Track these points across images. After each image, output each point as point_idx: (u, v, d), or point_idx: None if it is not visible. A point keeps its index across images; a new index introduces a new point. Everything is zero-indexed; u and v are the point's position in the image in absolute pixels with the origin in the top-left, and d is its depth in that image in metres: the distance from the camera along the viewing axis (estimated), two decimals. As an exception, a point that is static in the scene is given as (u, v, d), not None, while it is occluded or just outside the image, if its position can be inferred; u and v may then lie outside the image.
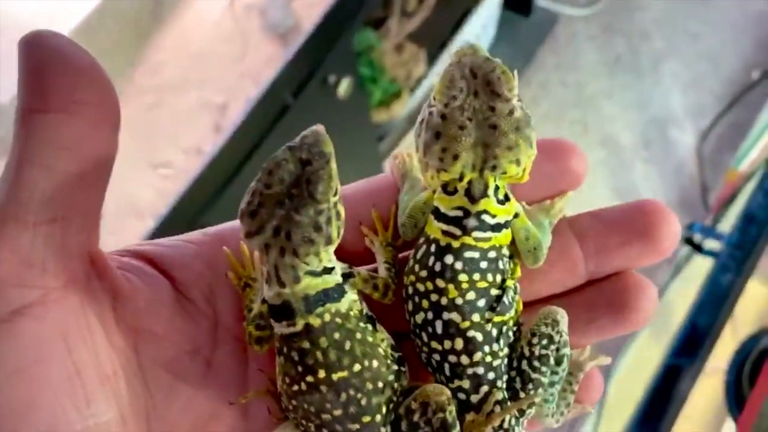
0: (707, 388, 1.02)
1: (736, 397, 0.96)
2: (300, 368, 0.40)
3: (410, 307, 0.42)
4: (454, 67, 0.40)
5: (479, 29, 1.76)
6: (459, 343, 0.41)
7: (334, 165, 0.39)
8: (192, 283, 0.41)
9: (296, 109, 1.11)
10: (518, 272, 0.43)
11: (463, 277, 0.40)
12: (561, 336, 0.43)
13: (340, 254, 0.43)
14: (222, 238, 0.42)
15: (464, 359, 0.41)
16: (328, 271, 0.40)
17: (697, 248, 1.16)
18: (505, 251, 0.42)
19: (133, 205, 1.01)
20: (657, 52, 2.01)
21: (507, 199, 0.42)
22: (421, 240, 0.42)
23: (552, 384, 0.44)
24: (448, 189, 0.41)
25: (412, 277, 0.41)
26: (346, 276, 0.41)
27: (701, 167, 1.74)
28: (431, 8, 1.49)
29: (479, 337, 0.41)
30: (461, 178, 0.40)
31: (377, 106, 1.42)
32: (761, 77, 1.68)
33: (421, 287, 0.41)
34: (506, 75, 0.39)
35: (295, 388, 0.40)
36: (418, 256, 0.42)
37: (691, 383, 0.95)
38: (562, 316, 0.43)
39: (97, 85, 0.33)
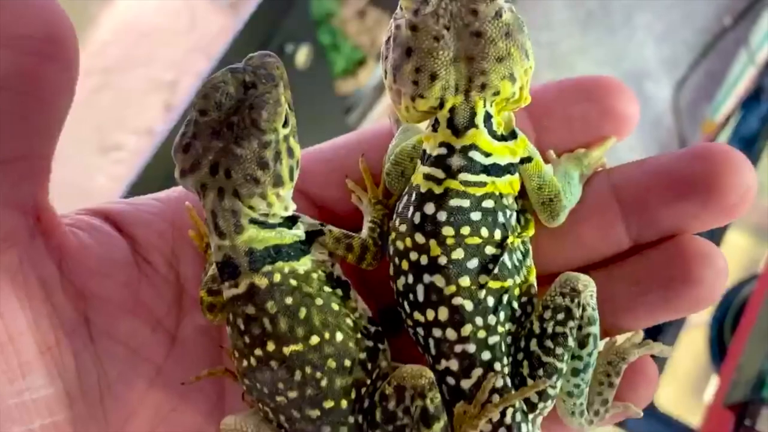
0: (691, 344, 1.00)
1: (719, 350, 0.94)
2: (247, 339, 0.34)
3: (391, 270, 0.36)
4: None
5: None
6: (443, 313, 0.34)
7: (285, 92, 0.33)
8: (153, 244, 0.37)
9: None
10: (531, 229, 0.36)
11: (447, 230, 0.34)
12: (584, 310, 0.35)
13: (329, 218, 0.38)
14: (189, 194, 0.37)
15: (450, 333, 0.34)
16: (285, 223, 0.34)
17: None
18: (510, 202, 0.35)
19: (85, 192, 0.97)
20: (628, 4, 1.98)
21: (513, 136, 0.35)
22: (406, 190, 0.36)
23: (576, 372, 0.36)
24: (434, 125, 0.35)
25: (393, 234, 0.35)
26: (313, 233, 0.36)
27: (678, 120, 1.71)
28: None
29: (468, 305, 0.34)
30: (442, 105, 0.33)
31: (342, 76, 1.38)
32: (733, 23, 1.65)
33: (400, 245, 0.35)
34: None
35: (245, 363, 0.34)
36: (399, 208, 0.35)
37: (673, 339, 0.92)
38: (586, 284, 0.35)
39: (44, 17, 0.28)
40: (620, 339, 0.38)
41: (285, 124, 0.33)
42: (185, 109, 0.97)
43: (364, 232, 0.37)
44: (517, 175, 0.35)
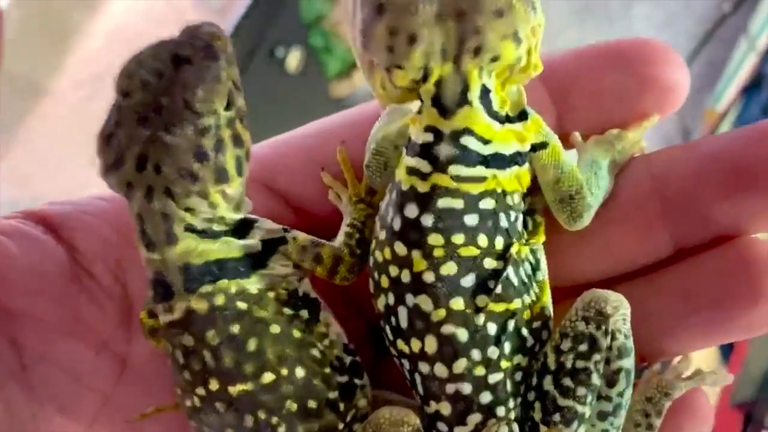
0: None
1: (730, 349, 0.91)
2: (187, 375, 0.28)
3: (371, 287, 0.29)
4: None
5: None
6: (431, 344, 0.27)
7: (229, 69, 0.27)
8: (95, 252, 0.31)
9: (244, 85, 1.06)
10: (540, 235, 0.29)
11: (434, 238, 0.27)
12: (613, 339, 0.28)
13: (306, 221, 0.32)
14: None
15: (440, 370, 0.27)
16: (235, 230, 0.28)
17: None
18: (516, 201, 0.28)
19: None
20: (627, -5, 1.96)
21: (522, 116, 0.28)
22: (389, 187, 0.29)
23: (604, 417, 0.29)
24: (421, 105, 0.28)
25: (373, 242, 0.29)
26: (274, 242, 0.29)
27: (680, 110, 1.69)
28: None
29: (462, 335, 0.27)
30: (426, 77, 0.26)
31: (336, 78, 1.37)
32: (733, 9, 1.63)
33: (379, 256, 0.28)
34: None
35: (188, 403, 0.29)
36: (381, 210, 0.29)
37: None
38: (616, 306, 0.28)
39: None
40: (658, 368, 0.31)
41: (228, 107, 0.27)
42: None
43: (339, 238, 0.31)
44: (526, 166, 0.28)
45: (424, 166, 0.27)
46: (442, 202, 0.27)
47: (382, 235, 0.28)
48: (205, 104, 0.26)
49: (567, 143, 0.32)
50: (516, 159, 0.28)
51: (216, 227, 0.28)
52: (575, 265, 0.31)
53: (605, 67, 0.30)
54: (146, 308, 0.29)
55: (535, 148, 0.29)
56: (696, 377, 0.31)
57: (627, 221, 0.30)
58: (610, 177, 0.30)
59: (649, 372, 0.32)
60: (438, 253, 0.27)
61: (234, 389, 0.28)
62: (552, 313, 0.30)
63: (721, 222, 0.29)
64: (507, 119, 0.28)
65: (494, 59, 0.26)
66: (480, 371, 0.28)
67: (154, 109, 0.26)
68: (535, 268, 0.29)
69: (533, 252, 0.29)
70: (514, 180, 0.28)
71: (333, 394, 0.29)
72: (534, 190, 0.30)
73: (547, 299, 0.30)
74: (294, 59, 1.07)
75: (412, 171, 0.28)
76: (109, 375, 0.31)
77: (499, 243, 0.28)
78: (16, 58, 0.86)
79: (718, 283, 0.29)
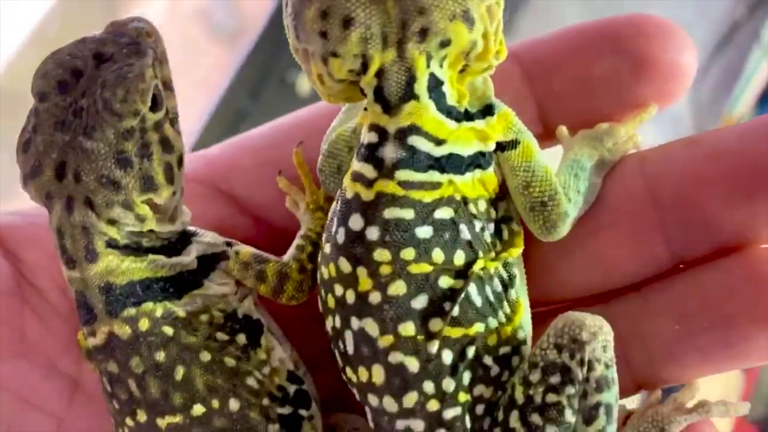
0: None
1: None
2: (115, 403, 0.26)
3: (320, 306, 0.27)
4: None
5: (451, 4, 1.71)
6: (378, 374, 0.24)
7: (159, 67, 0.25)
8: (42, 266, 0.29)
9: (256, 113, 1.07)
10: (518, 246, 0.26)
11: (381, 254, 0.24)
12: (590, 369, 0.24)
13: (265, 229, 0.29)
14: None
15: (389, 403, 0.24)
16: (164, 247, 0.26)
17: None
18: (482, 208, 0.25)
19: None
20: (639, 2, 1.96)
21: (487, 111, 0.25)
22: (337, 194, 0.26)
23: None
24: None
25: (320, 257, 0.26)
26: (213, 257, 0.27)
27: (697, 116, 1.67)
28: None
29: (412, 364, 0.24)
30: (365, 67, 0.23)
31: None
32: (747, 14, 1.61)
33: (324, 273, 0.26)
34: None
35: None
36: (327, 220, 0.26)
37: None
38: (594, 332, 0.25)
39: None
40: (657, 396, 0.27)
41: (156, 108, 0.25)
42: (192, 143, 0.98)
43: (290, 252, 0.28)
44: (492, 168, 0.25)
45: (369, 171, 0.25)
46: (389, 213, 0.25)
47: (326, 248, 0.26)
48: (126, 104, 0.24)
49: (552, 138, 0.28)
50: (478, 161, 0.25)
51: (145, 242, 0.26)
52: (561, 279, 0.28)
53: (595, 49, 0.26)
54: (81, 329, 0.27)
55: (503, 147, 0.25)
56: (700, 409, 0.27)
57: (618, 228, 0.27)
58: (597, 178, 0.26)
59: (648, 401, 0.28)
60: (385, 270, 0.25)
61: (162, 422, 0.26)
62: (528, 336, 0.26)
63: (725, 230, 0.25)
64: (466, 115, 0.25)
65: (444, 44, 0.23)
66: (433, 406, 0.24)
67: (73, 112, 0.24)
68: (508, 285, 0.26)
69: (506, 266, 0.26)
70: (477, 184, 0.25)
71: (273, 427, 0.26)
72: (508, 195, 0.26)
73: (521, 320, 0.26)
74: (304, 84, 1.08)
75: (356, 176, 0.25)
76: (61, 397, 0.29)
77: (459, 258, 0.25)
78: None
79: (722, 303, 0.25)
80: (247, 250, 0.28)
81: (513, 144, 0.25)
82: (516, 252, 0.26)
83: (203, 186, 0.31)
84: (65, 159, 0.24)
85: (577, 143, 0.27)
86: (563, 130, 0.28)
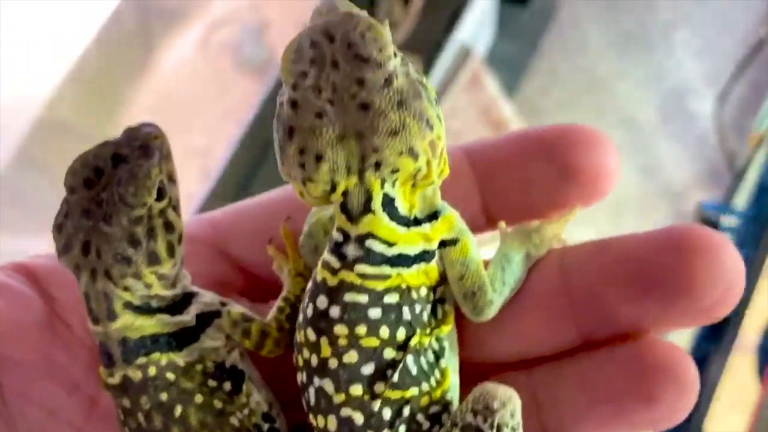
0: (740, 369, 0.97)
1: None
2: (127, 430, 0.32)
3: (294, 360, 0.32)
4: (302, 33, 0.29)
5: (475, 27, 1.73)
6: (332, 424, 0.30)
7: (163, 163, 0.30)
8: (72, 306, 0.34)
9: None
10: (448, 323, 0.31)
11: (340, 328, 0.29)
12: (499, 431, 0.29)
13: (254, 284, 0.35)
14: None
15: None
16: (171, 306, 0.32)
17: (714, 226, 1.11)
18: (423, 294, 0.30)
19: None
20: (665, 22, 1.95)
21: (432, 216, 0.30)
22: (313, 272, 0.31)
23: None
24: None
25: (297, 323, 0.32)
26: (210, 315, 0.32)
27: (722, 135, 1.68)
28: (418, 14, 1.48)
29: (358, 418, 0.29)
30: (334, 188, 0.29)
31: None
32: (770, 34, 1.61)
33: (297, 337, 0.31)
34: (374, 29, 0.28)
35: None
36: (304, 297, 0.31)
37: (720, 368, 0.90)
38: (504, 402, 0.29)
39: None
40: None
41: (160, 198, 0.30)
42: (221, 174, 1.01)
43: (272, 312, 0.33)
44: (434, 261, 0.31)
45: (335, 262, 0.30)
46: (349, 297, 0.29)
47: (300, 318, 0.31)
48: (136, 198, 0.29)
49: (494, 227, 0.33)
50: (423, 257, 0.30)
51: (154, 303, 0.31)
52: (492, 346, 0.32)
53: (530, 155, 0.31)
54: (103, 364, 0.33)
55: (445, 243, 0.31)
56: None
57: (536, 312, 0.31)
58: (522, 270, 0.31)
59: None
60: (342, 342, 0.29)
61: None
62: (455, 397, 0.31)
63: (623, 322, 0.30)
64: (415, 221, 0.30)
65: (394, 171, 0.29)
66: None
67: (96, 203, 0.30)
68: (439, 355, 0.31)
69: (438, 340, 0.31)
70: (421, 275, 0.30)
71: None
72: (446, 281, 0.31)
73: (449, 385, 0.31)
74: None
75: (324, 264, 0.30)
76: (81, 411, 0.34)
77: (401, 334, 0.30)
78: (78, 124, 0.93)
79: (617, 380, 0.29)
80: (237, 310, 0.33)
81: (453, 242, 0.31)
82: (446, 329, 0.31)
83: (206, 247, 0.36)
84: (89, 239, 0.30)
85: (510, 237, 0.32)
86: (502, 225, 0.33)
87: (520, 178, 0.32)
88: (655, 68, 1.87)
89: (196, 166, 1.04)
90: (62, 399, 0.34)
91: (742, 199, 1.14)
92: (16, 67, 0.95)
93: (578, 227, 0.36)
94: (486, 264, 0.32)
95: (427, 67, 1.56)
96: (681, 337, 1.01)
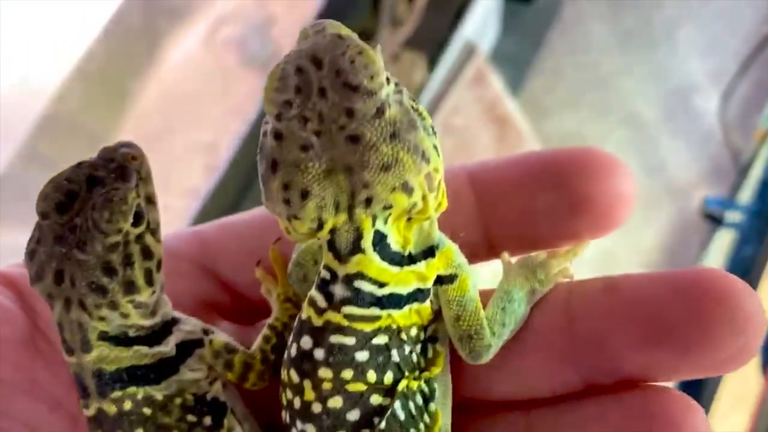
0: (743, 369, 0.97)
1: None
2: None
3: (280, 399, 0.30)
4: (287, 58, 0.27)
5: (480, 25, 1.73)
6: None
7: (142, 186, 0.29)
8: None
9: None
10: (438, 366, 0.29)
11: (324, 372, 0.27)
12: None
13: (242, 305, 0.34)
14: None
15: None
16: (148, 336, 0.30)
17: (717, 221, 1.10)
18: (413, 334, 0.28)
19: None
20: (669, 19, 1.95)
21: (428, 253, 0.28)
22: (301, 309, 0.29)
23: None
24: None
25: (283, 359, 0.29)
26: (190, 344, 0.31)
27: (727, 132, 1.67)
28: (422, 12, 1.48)
29: None
30: (320, 226, 0.27)
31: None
32: (776, 31, 1.61)
33: (282, 375, 0.29)
34: (365, 55, 0.26)
35: None
36: (292, 332, 0.29)
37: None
38: None
39: None
40: None
41: (137, 223, 0.28)
42: (226, 169, 1.02)
43: (257, 342, 0.32)
44: (428, 302, 0.29)
45: (321, 300, 0.28)
46: (334, 339, 0.27)
47: (285, 356, 0.29)
48: (111, 224, 0.27)
49: (497, 256, 0.31)
50: (416, 296, 0.28)
51: (131, 332, 0.29)
52: (489, 384, 0.30)
53: (537, 182, 0.29)
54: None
55: (442, 279, 0.29)
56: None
57: (537, 352, 0.29)
58: (526, 307, 0.29)
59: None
60: (326, 386, 0.27)
61: None
62: None
63: (629, 369, 0.28)
64: (409, 259, 0.28)
65: (386, 207, 0.26)
66: None
67: (69, 229, 0.28)
68: (429, 399, 0.29)
69: (428, 383, 0.29)
70: (413, 314, 0.28)
71: None
72: (439, 317, 0.29)
73: (440, 428, 0.29)
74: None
75: (311, 302, 0.28)
76: (63, 429, 0.33)
77: (389, 378, 0.28)
78: (84, 119, 0.94)
79: (619, 429, 0.28)
80: (219, 340, 0.31)
81: (451, 278, 0.29)
82: (437, 370, 0.29)
83: (193, 265, 0.34)
84: (63, 267, 0.28)
85: (513, 272, 0.30)
86: (506, 256, 0.31)
87: (527, 207, 0.30)
88: (659, 65, 1.87)
89: (201, 161, 1.04)
90: (44, 416, 0.32)
91: (746, 194, 1.14)
92: (22, 62, 0.96)
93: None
94: (487, 295, 0.30)
95: (432, 64, 1.57)
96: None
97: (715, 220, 1.10)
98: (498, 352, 0.29)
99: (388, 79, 0.26)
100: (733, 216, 1.11)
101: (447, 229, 0.29)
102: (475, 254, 0.30)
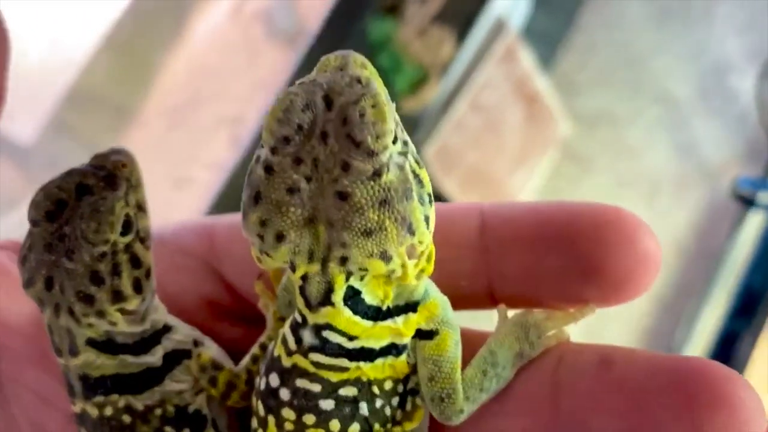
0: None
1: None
2: None
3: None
4: (300, 88, 0.25)
5: (511, 0, 1.71)
6: None
7: (132, 194, 0.29)
8: None
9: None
10: (416, 420, 0.28)
11: (287, 412, 0.27)
12: None
13: (244, 307, 0.33)
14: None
15: None
16: (136, 344, 0.30)
17: (749, 202, 1.08)
18: (388, 387, 0.27)
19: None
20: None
21: (409, 308, 0.27)
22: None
23: None
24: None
25: (255, 385, 0.29)
26: (179, 354, 0.31)
27: (763, 113, 1.63)
28: (452, -13, 1.46)
29: None
30: (293, 268, 0.26)
31: (404, 96, 1.40)
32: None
33: (253, 403, 0.28)
34: (378, 110, 0.24)
35: None
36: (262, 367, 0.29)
37: (750, 348, 0.89)
38: None
39: None
40: None
41: (126, 232, 0.29)
42: (251, 143, 1.02)
43: (245, 360, 0.31)
44: (404, 355, 0.27)
45: (291, 342, 0.27)
46: (300, 382, 0.27)
47: (256, 384, 0.29)
48: (98, 235, 0.28)
49: (496, 305, 0.30)
50: (390, 351, 0.27)
51: (119, 339, 0.30)
52: None
53: (548, 243, 0.27)
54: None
55: (422, 335, 0.27)
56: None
57: (517, 418, 0.27)
58: (510, 370, 0.28)
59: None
60: (288, 426, 0.27)
61: None
62: None
63: None
64: (387, 313, 0.27)
65: (362, 271, 0.25)
66: None
67: (59, 237, 0.28)
68: None
69: None
70: (387, 368, 0.27)
71: None
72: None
73: None
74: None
75: (283, 340, 0.27)
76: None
77: (354, 429, 0.27)
78: (111, 91, 0.95)
79: None
80: (207, 354, 0.31)
81: (430, 334, 0.27)
82: (410, 426, 0.28)
83: (199, 262, 0.34)
84: (52, 275, 0.28)
85: (505, 329, 0.28)
86: (503, 308, 0.29)
87: (535, 267, 0.28)
88: (694, 43, 1.83)
89: (226, 134, 1.04)
90: (54, 388, 0.33)
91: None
92: (50, 36, 0.96)
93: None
94: (477, 340, 0.28)
95: (460, 39, 1.55)
96: (711, 313, 1.00)
97: (746, 201, 1.07)
98: (479, 410, 0.28)
99: (395, 139, 0.25)
100: (766, 197, 1.08)
101: (449, 275, 0.28)
102: (474, 303, 0.29)
